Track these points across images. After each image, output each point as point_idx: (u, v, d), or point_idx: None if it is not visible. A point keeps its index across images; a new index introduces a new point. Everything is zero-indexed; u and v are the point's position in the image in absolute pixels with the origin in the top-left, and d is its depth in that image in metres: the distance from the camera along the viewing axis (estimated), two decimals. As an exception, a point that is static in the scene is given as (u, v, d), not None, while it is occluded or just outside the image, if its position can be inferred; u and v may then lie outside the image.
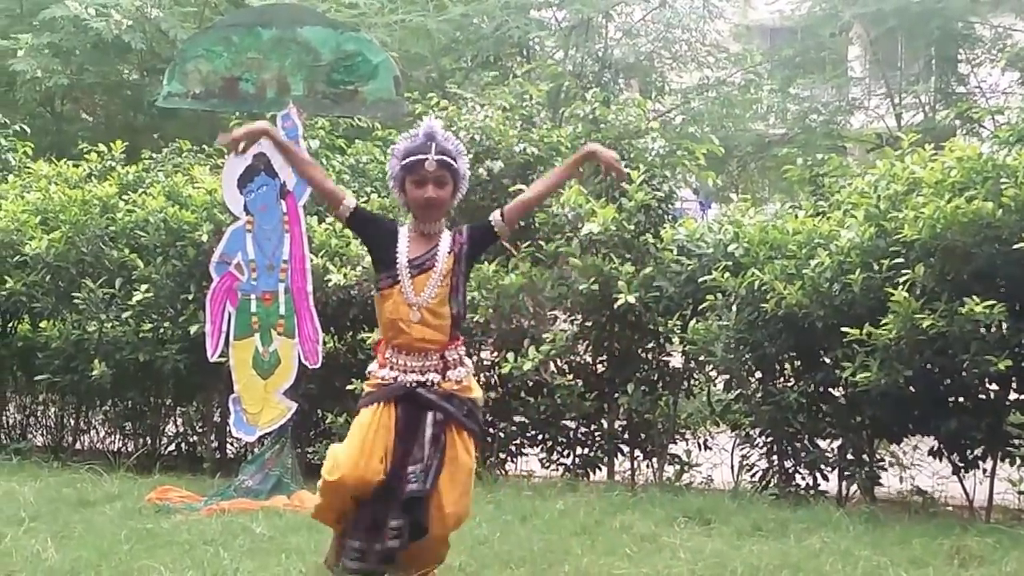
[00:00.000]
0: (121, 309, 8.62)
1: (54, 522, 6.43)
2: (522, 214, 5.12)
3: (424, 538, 4.76)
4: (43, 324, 8.85)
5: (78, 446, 9.36)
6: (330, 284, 8.19)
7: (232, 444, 9.03)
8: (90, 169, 10.00)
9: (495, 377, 8.52)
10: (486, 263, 8.20)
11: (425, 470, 4.68)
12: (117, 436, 9.41)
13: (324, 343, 7.70)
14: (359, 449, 4.69)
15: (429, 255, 4.77)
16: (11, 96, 15.25)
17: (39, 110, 16.04)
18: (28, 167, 10.34)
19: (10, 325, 9.38)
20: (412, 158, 4.76)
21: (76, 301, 8.69)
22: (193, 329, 8.27)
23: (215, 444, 9.06)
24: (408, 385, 4.74)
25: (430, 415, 4.73)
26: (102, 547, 5.66)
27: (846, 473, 7.61)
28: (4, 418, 9.68)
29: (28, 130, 11.83)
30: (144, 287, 8.53)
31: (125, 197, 9.20)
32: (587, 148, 5.00)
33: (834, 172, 8.62)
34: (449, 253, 4.79)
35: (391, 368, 4.77)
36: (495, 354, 8.51)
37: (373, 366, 4.88)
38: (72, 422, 9.50)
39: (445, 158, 4.76)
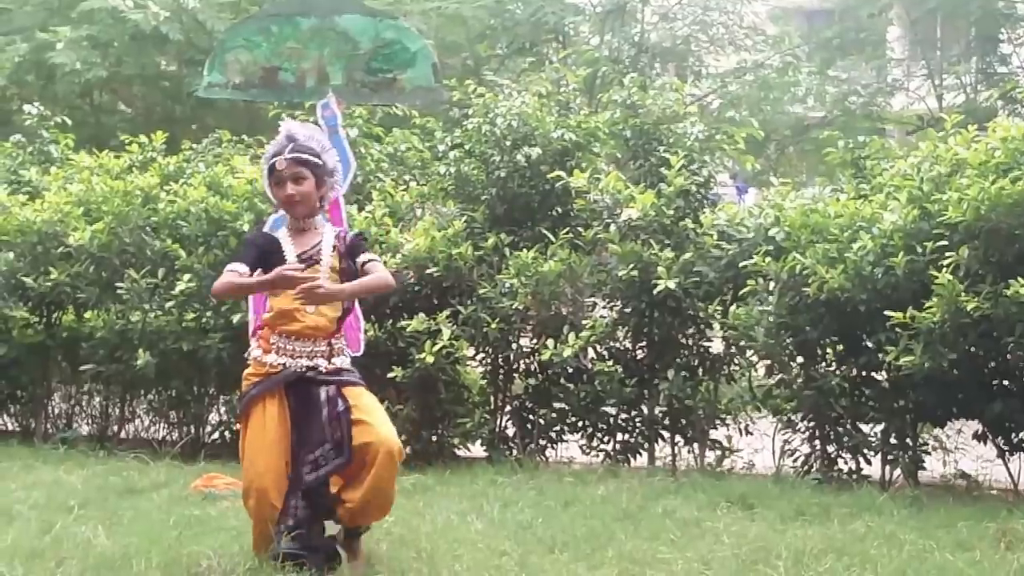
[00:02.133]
0: (164, 299, 8.69)
1: (102, 509, 6.50)
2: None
3: (369, 483, 4.89)
4: (87, 314, 8.94)
5: (123, 435, 9.43)
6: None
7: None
8: (131, 160, 10.07)
9: (535, 364, 8.55)
10: (524, 250, 8.21)
11: (336, 444, 4.89)
12: (161, 425, 9.48)
13: (365, 331, 7.72)
14: (266, 461, 4.92)
15: (314, 249, 4.98)
16: (51, 89, 15.38)
17: (78, 102, 16.16)
18: (70, 159, 10.42)
19: (55, 316, 9.45)
20: (270, 161, 5.04)
21: (120, 291, 8.76)
22: (236, 318, 8.32)
23: (258, 432, 9.09)
24: (299, 370, 4.95)
25: (323, 392, 4.94)
26: (151, 533, 5.71)
27: (889, 457, 7.58)
28: (50, 408, 9.76)
29: (69, 122, 11.90)
30: (187, 277, 8.58)
31: (166, 188, 9.27)
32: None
33: (876, 154, 8.56)
34: (333, 249, 5.03)
35: (278, 353, 4.97)
36: (535, 341, 8.53)
37: (256, 352, 5.04)
38: (117, 411, 9.58)
39: (300, 155, 4.96)
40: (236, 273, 4.90)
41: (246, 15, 14.61)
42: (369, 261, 5.05)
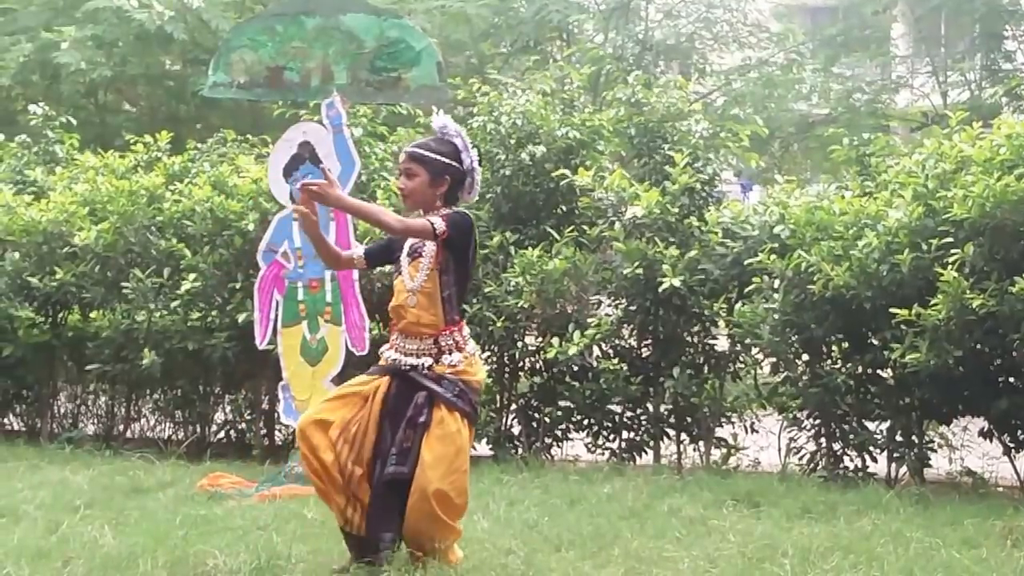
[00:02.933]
0: (169, 298, 8.70)
1: (109, 509, 6.51)
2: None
3: (406, 517, 4.84)
4: (93, 314, 8.96)
5: (129, 434, 9.44)
6: (376, 271, 8.21)
7: (281, 431, 9.10)
8: (136, 160, 10.08)
9: (540, 362, 8.56)
10: (529, 248, 8.21)
11: (401, 452, 4.82)
12: (167, 424, 9.50)
13: (371, 330, 7.73)
14: (329, 404, 4.99)
15: (420, 242, 4.91)
16: (55, 88, 15.39)
17: (83, 102, 16.16)
18: (75, 159, 10.43)
19: (61, 315, 9.46)
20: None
21: (125, 291, 8.77)
22: (241, 317, 8.33)
23: (264, 431, 9.13)
24: (402, 367, 4.91)
25: (417, 395, 4.86)
26: (157, 533, 5.71)
27: (895, 455, 7.57)
28: (56, 408, 9.78)
29: (74, 122, 11.91)
30: (192, 276, 8.60)
31: (172, 187, 9.28)
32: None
33: (881, 152, 8.55)
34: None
35: (394, 350, 4.97)
36: (540, 339, 8.54)
37: (383, 348, 5.09)
38: (123, 411, 9.59)
39: (416, 151, 4.96)
40: (355, 254, 5.18)
41: (251, 14, 14.64)
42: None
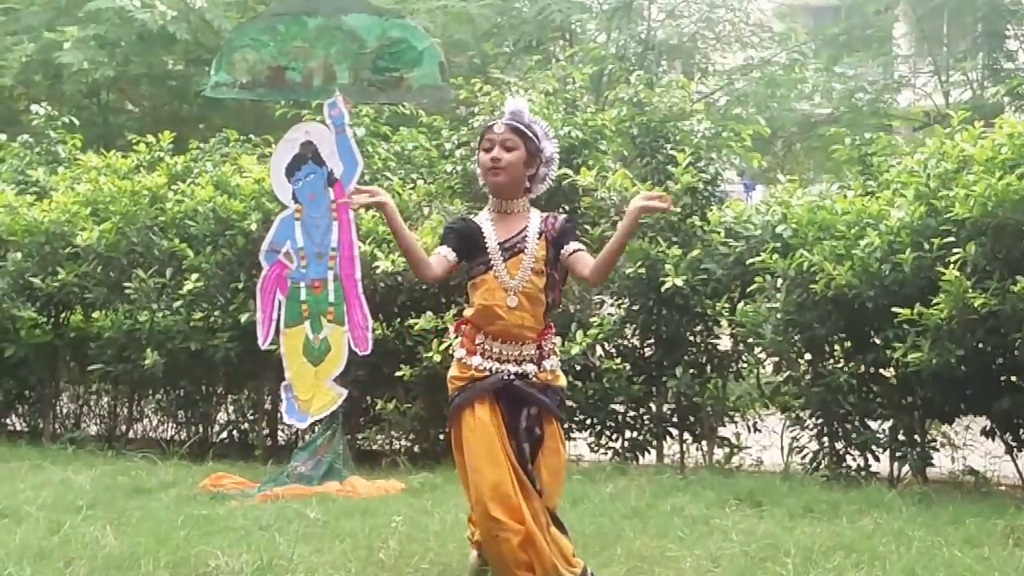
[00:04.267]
0: (172, 298, 8.71)
1: (111, 509, 6.52)
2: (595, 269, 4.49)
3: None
4: (95, 314, 8.98)
5: (131, 435, 9.46)
6: (378, 271, 8.22)
7: (284, 431, 9.11)
8: (139, 160, 10.08)
9: (543, 361, 8.53)
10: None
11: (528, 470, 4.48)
12: (170, 424, 9.51)
13: (373, 330, 7.73)
14: (494, 470, 4.40)
15: (519, 237, 4.51)
16: (58, 88, 15.40)
17: (85, 102, 16.17)
18: (78, 159, 10.44)
19: (63, 316, 9.48)
20: (484, 125, 4.65)
21: (128, 291, 8.78)
22: (244, 317, 8.33)
23: (267, 431, 9.14)
24: (506, 377, 4.48)
25: (526, 409, 4.49)
26: (159, 533, 5.72)
27: (898, 454, 7.57)
28: (58, 408, 9.81)
29: (77, 122, 11.91)
30: (194, 276, 8.60)
31: (174, 187, 9.28)
32: (637, 206, 4.33)
33: (883, 151, 8.55)
34: (540, 236, 4.53)
35: (484, 356, 4.50)
36: (543, 339, 8.52)
37: (461, 352, 4.58)
38: (125, 411, 9.61)
39: (517, 124, 4.53)
40: (441, 256, 4.50)
41: (253, 14, 14.64)
42: (576, 252, 4.50)
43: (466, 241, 4.54)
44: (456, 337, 4.65)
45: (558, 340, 4.77)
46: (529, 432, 4.49)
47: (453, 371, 4.60)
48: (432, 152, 9.90)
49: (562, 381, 4.68)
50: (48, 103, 12.01)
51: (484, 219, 4.59)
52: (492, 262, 4.49)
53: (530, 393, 4.48)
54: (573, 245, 4.51)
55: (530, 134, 4.54)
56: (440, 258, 4.50)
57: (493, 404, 4.48)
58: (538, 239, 4.51)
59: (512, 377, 4.48)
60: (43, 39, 14.60)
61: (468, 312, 4.61)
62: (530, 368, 4.50)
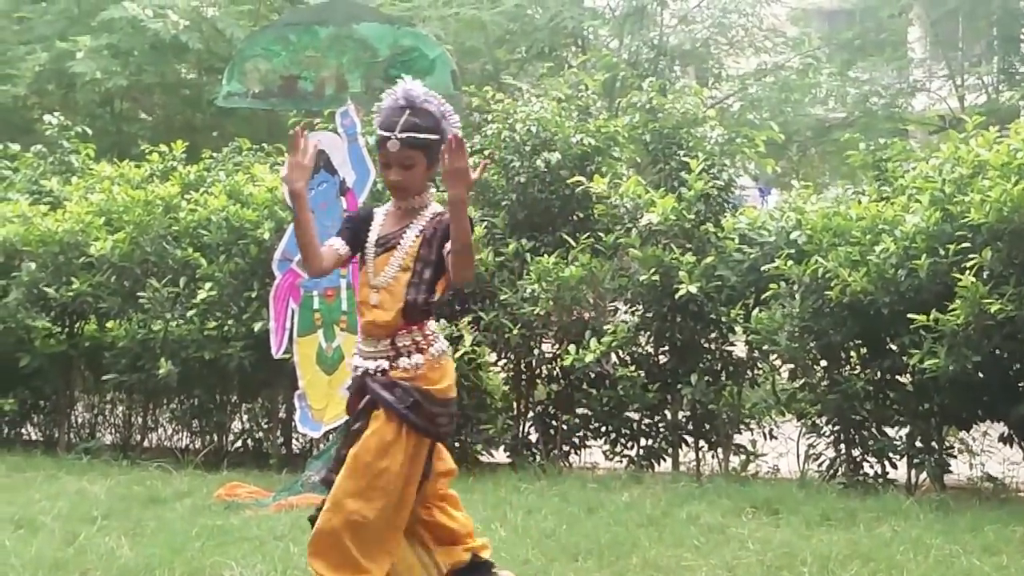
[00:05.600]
0: (186, 308, 8.70)
1: (126, 520, 6.52)
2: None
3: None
4: (109, 324, 8.98)
5: (146, 444, 9.45)
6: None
7: (298, 440, 9.09)
8: (152, 169, 10.09)
9: (557, 369, 8.53)
10: (545, 255, 8.19)
11: (339, 459, 4.33)
12: (184, 434, 9.50)
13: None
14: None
15: (397, 233, 4.32)
16: (71, 98, 15.45)
17: (99, 111, 16.23)
18: (91, 169, 10.45)
19: (77, 326, 9.49)
20: (379, 134, 4.30)
21: (141, 301, 8.78)
22: (257, 326, 8.32)
23: (281, 440, 9.12)
24: (359, 373, 4.35)
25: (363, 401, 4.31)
26: (174, 544, 5.72)
27: (915, 461, 7.52)
28: (73, 417, 9.80)
29: (90, 132, 11.94)
30: (208, 285, 8.60)
31: (187, 197, 9.29)
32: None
33: (898, 156, 8.51)
34: (419, 234, 4.31)
35: (355, 354, 4.42)
36: (556, 346, 8.52)
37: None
38: (140, 420, 9.59)
39: (415, 135, 4.21)
40: (332, 249, 4.35)
41: (265, 23, 14.67)
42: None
43: (360, 234, 4.41)
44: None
45: (440, 340, 4.42)
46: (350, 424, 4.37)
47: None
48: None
49: (439, 384, 4.31)
50: (61, 112, 12.02)
51: (381, 212, 4.45)
52: (367, 258, 4.38)
53: (374, 389, 4.26)
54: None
55: (427, 139, 4.24)
56: (330, 250, 4.37)
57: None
58: (416, 236, 4.31)
59: (363, 373, 4.33)
60: (56, 49, 14.68)
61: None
62: (383, 364, 4.28)
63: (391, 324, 4.26)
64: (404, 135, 4.23)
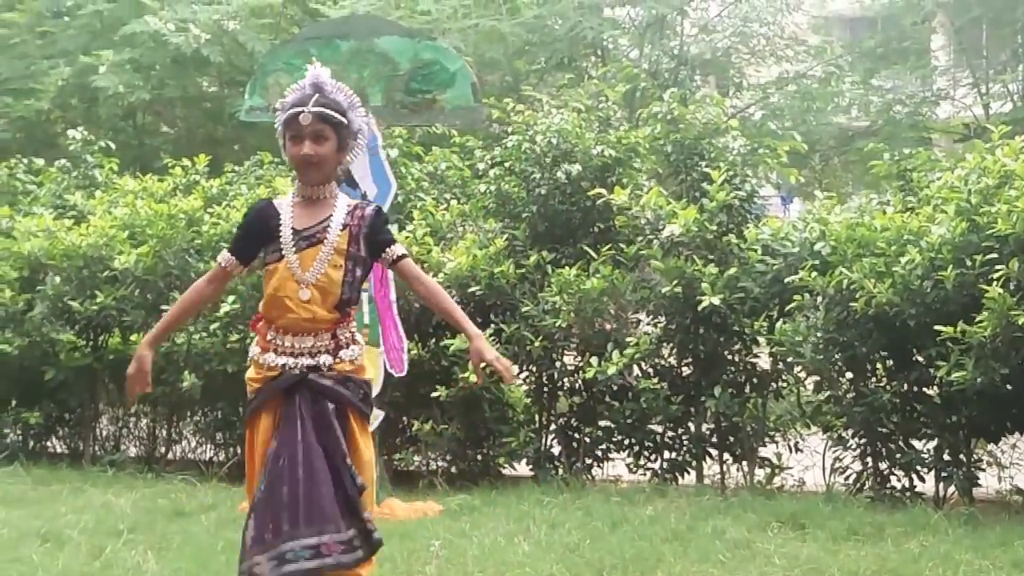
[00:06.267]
0: (209, 321, 8.71)
1: (151, 533, 6.53)
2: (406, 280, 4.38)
3: None
4: (133, 337, 9.00)
5: (170, 456, 9.48)
6: (412, 292, 8.19)
7: (320, 452, 9.06)
8: (175, 183, 10.12)
9: (579, 382, 8.51)
10: (566, 267, 8.17)
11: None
12: (208, 446, 9.51)
13: (409, 351, 7.71)
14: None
15: (320, 227, 4.19)
16: (94, 112, 15.52)
17: (121, 124, 16.30)
18: (115, 183, 10.50)
19: (102, 339, 9.53)
20: (290, 112, 4.20)
21: (165, 313, 8.76)
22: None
23: (304, 453, 9.09)
24: (300, 371, 4.15)
25: (328, 403, 4.15)
26: (200, 558, 5.72)
27: (943, 474, 7.46)
28: (98, 430, 9.83)
29: (113, 146, 11.98)
30: (230, 299, 8.60)
31: (210, 210, 9.31)
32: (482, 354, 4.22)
33: (922, 166, 8.45)
34: (344, 228, 4.21)
35: (277, 352, 4.18)
36: (578, 358, 8.49)
37: (254, 350, 4.25)
38: (164, 433, 9.62)
39: (325, 111, 4.16)
40: (218, 269, 4.27)
41: (286, 35, 14.72)
42: (401, 259, 4.26)
43: (260, 232, 4.24)
44: (253, 336, 4.35)
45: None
46: (343, 428, 4.16)
47: (250, 372, 4.29)
48: (465, 172, 9.90)
49: (368, 374, 4.32)
50: (84, 126, 12.10)
51: (285, 204, 4.26)
52: (284, 252, 4.16)
53: (326, 386, 4.16)
54: (395, 250, 4.27)
55: (339, 118, 4.20)
56: (219, 272, 4.29)
57: (278, 407, 4.16)
58: (341, 230, 4.19)
59: (305, 371, 4.15)
60: (79, 63, 14.74)
61: (261, 305, 4.31)
62: (324, 359, 4.16)
63: (330, 319, 4.18)
64: (316, 109, 4.15)
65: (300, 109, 4.15)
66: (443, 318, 4.28)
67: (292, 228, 4.18)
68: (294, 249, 4.15)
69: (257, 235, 4.24)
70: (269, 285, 4.19)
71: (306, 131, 4.14)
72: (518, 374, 8.68)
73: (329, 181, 4.25)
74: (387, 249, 4.25)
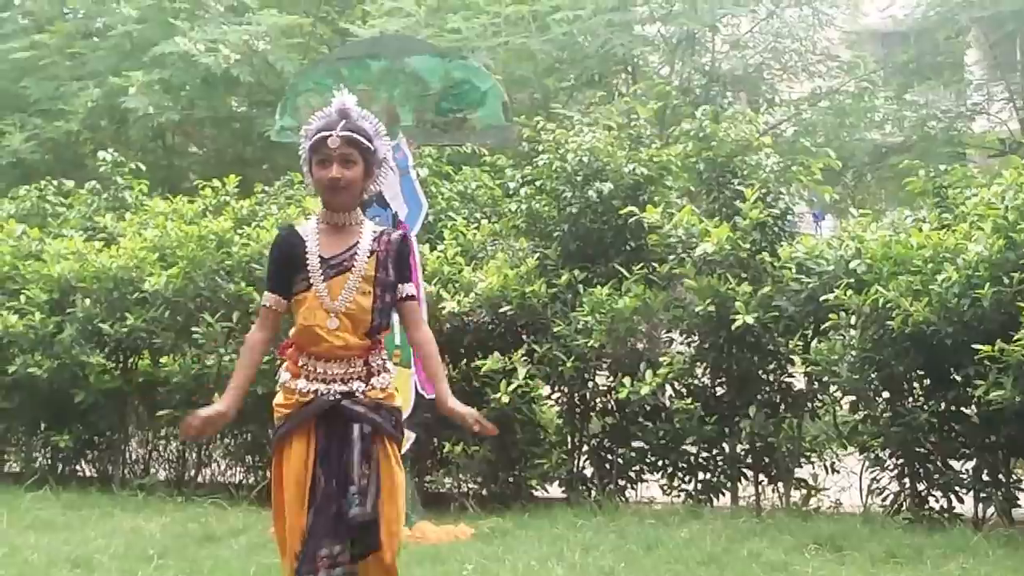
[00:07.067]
0: (239, 342, 8.67)
1: (182, 559, 6.49)
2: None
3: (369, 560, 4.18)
4: (163, 359, 8.99)
5: (200, 479, 9.43)
6: (444, 311, 8.16)
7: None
8: (205, 205, 10.11)
9: (612, 402, 8.43)
10: (598, 286, 8.10)
11: (362, 492, 4.10)
12: (238, 468, 9.47)
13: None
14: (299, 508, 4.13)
15: (347, 254, 4.19)
16: (124, 133, 15.56)
17: (151, 145, 16.34)
18: (145, 205, 10.50)
19: (131, 361, 9.51)
20: (317, 136, 4.21)
21: (195, 336, 8.78)
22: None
23: (334, 475, 9.04)
24: (333, 397, 4.15)
25: (356, 428, 4.14)
26: (230, 585, 5.67)
27: (982, 495, 7.36)
28: (127, 453, 9.80)
29: (143, 167, 11.99)
30: (260, 320, 8.55)
31: (240, 231, 9.27)
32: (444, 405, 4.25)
33: (958, 183, 8.35)
34: (371, 255, 4.20)
35: (309, 378, 4.18)
36: (611, 378, 8.42)
37: (284, 376, 4.26)
38: (193, 456, 9.58)
39: (353, 135, 4.16)
40: (268, 311, 4.24)
41: (315, 55, 14.73)
42: (408, 300, 4.26)
43: (289, 262, 4.21)
44: (282, 362, 4.33)
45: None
46: (366, 455, 4.13)
47: (278, 398, 4.27)
48: (496, 191, 9.86)
49: (397, 401, 4.32)
50: (114, 147, 12.10)
51: (310, 231, 4.24)
52: (312, 280, 4.16)
53: (359, 412, 4.14)
54: (407, 288, 4.26)
55: (366, 143, 4.20)
56: (267, 314, 4.26)
57: (312, 432, 4.16)
58: (368, 257, 4.19)
59: (338, 397, 4.14)
60: (109, 84, 14.78)
61: (293, 332, 4.28)
62: (357, 385, 4.16)
63: (362, 346, 4.17)
64: (345, 132, 4.15)
65: (328, 132, 4.14)
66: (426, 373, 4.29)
67: (319, 256, 4.16)
68: (322, 278, 4.14)
69: (288, 265, 4.21)
70: (299, 315, 4.17)
71: (335, 154, 4.13)
72: (549, 395, 8.62)
73: (355, 207, 4.24)
74: (400, 285, 4.24)
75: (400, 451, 4.28)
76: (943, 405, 7.42)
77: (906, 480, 7.60)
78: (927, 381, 7.53)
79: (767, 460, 8.11)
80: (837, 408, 8.08)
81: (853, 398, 7.76)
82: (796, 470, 8.09)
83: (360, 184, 4.21)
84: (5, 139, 15.05)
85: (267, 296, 4.24)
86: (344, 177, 4.14)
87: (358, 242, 4.19)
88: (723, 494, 8.22)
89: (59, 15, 16.97)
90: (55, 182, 11.54)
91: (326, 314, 4.12)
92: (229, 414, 4.25)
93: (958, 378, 7.27)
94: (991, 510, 7.32)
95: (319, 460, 4.12)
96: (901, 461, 7.58)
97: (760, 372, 8.15)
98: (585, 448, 8.58)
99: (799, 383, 8.16)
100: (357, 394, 4.14)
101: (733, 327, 7.69)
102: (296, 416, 4.16)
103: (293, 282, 4.19)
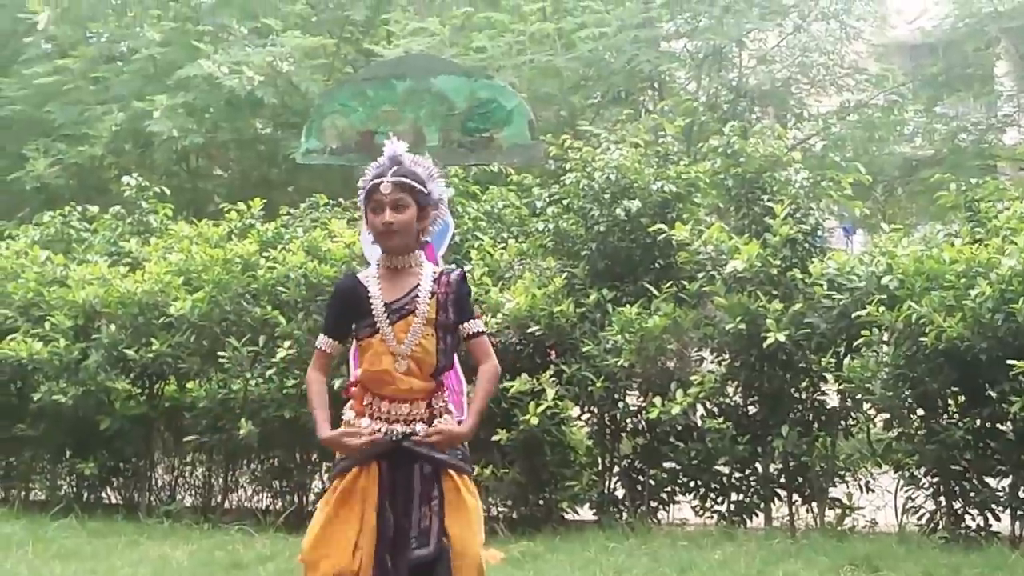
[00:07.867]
0: (265, 367, 8.64)
1: (209, 588, 6.42)
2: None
3: None
4: (189, 384, 8.96)
5: (227, 505, 9.36)
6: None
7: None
8: (230, 228, 10.08)
9: (642, 422, 8.34)
10: (627, 305, 8.02)
11: (423, 533, 4.22)
12: (265, 494, 9.40)
13: (467, 393, 7.57)
14: (337, 542, 4.21)
15: (408, 297, 4.30)
16: (148, 156, 15.59)
17: (175, 168, 16.36)
18: (170, 229, 10.47)
19: (157, 387, 9.47)
20: (370, 183, 4.36)
21: (221, 360, 8.73)
22: (336, 383, 8.20)
23: (362, 499, 8.98)
24: (395, 437, 4.25)
25: (417, 468, 4.26)
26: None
27: (1019, 513, 7.23)
28: (153, 480, 9.74)
29: (168, 191, 11.98)
30: (287, 344, 8.52)
31: (265, 254, 9.22)
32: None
33: (990, 196, 8.24)
34: (432, 296, 4.31)
35: (373, 417, 4.29)
36: (641, 398, 8.33)
37: (349, 414, 4.37)
38: (220, 482, 9.51)
39: (404, 180, 4.29)
40: (322, 354, 4.38)
41: (340, 76, 14.73)
42: (477, 336, 4.38)
43: (349, 308, 4.35)
44: (348, 401, 4.41)
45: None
46: (427, 496, 4.25)
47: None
48: (522, 210, 9.80)
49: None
50: (138, 171, 12.10)
51: (371, 276, 4.37)
52: (379, 325, 4.27)
53: (419, 452, 4.25)
54: (473, 326, 4.38)
55: (418, 187, 4.32)
56: (323, 356, 4.38)
57: (374, 468, 4.27)
58: (429, 299, 4.30)
59: (400, 436, 4.25)
60: (133, 108, 14.81)
61: (358, 373, 4.41)
62: (419, 427, 4.26)
63: (427, 389, 4.31)
64: (396, 178, 4.29)
65: (380, 180, 4.29)
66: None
67: (383, 302, 4.28)
68: (388, 322, 4.26)
69: (350, 313, 4.34)
70: (365, 359, 4.30)
71: (387, 200, 4.26)
72: (579, 416, 8.54)
73: (412, 250, 4.36)
74: (465, 323, 4.36)
75: (469, 478, 4.36)
76: (978, 422, 7.30)
77: (942, 498, 7.47)
78: (962, 398, 7.41)
79: (801, 480, 7.99)
80: (871, 426, 7.96)
81: (887, 416, 7.64)
82: (830, 489, 7.97)
83: (413, 227, 4.32)
84: (29, 164, 15.06)
85: (324, 340, 4.38)
86: (396, 221, 4.26)
87: (419, 284, 4.32)
88: (756, 515, 8.10)
89: (82, 40, 17.05)
90: (79, 208, 11.53)
91: (393, 358, 4.25)
92: (336, 431, 4.32)
93: (993, 394, 7.17)
94: (1030, 528, 7.20)
95: (387, 501, 4.25)
96: (936, 479, 7.46)
97: (792, 390, 8.04)
98: (616, 469, 8.49)
99: (832, 401, 8.05)
100: (419, 433, 4.25)
101: (764, 345, 7.58)
102: (362, 456, 4.26)
103: (356, 328, 4.33)
